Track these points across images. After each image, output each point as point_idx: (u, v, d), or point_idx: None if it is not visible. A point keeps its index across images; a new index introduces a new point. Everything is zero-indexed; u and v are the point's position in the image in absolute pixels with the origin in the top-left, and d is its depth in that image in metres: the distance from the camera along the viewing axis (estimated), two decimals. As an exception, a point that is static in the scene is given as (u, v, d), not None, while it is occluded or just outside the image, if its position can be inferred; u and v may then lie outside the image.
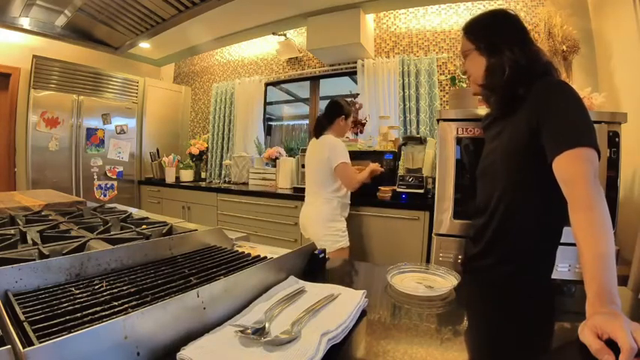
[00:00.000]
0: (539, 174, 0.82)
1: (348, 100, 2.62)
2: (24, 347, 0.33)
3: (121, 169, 3.63)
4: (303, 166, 2.81)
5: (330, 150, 1.92)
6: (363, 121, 2.63)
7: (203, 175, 3.93)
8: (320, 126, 2.06)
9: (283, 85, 3.88)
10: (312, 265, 0.79)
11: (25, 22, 3.03)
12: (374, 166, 2.08)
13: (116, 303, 0.49)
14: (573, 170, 0.71)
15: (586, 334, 0.48)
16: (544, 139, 0.79)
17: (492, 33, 0.96)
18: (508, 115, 0.94)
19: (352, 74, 3.10)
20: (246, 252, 0.80)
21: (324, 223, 1.95)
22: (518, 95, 0.89)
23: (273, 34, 3.17)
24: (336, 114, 2.03)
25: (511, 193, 0.93)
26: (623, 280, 1.42)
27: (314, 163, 2.02)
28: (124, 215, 1.13)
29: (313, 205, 2.02)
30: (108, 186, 3.55)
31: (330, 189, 1.98)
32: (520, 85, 0.88)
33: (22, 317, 0.43)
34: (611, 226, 0.62)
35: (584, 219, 0.64)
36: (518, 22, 0.96)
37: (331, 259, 0.87)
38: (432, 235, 1.67)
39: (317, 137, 2.06)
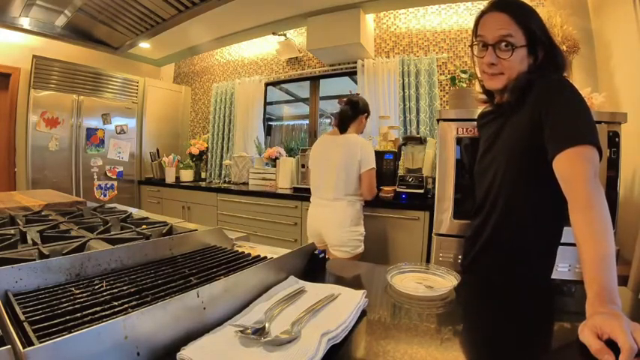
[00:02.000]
0: (539, 171, 0.82)
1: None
2: (24, 347, 0.33)
3: (121, 169, 3.63)
4: (303, 165, 2.81)
5: (362, 151, 1.84)
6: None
7: (203, 175, 3.93)
8: (346, 117, 1.95)
9: (283, 85, 3.88)
10: (312, 265, 0.79)
11: (25, 22, 3.03)
12: None
13: (116, 303, 0.49)
14: (573, 169, 0.71)
15: (586, 334, 0.48)
16: (545, 137, 0.79)
17: (540, 26, 0.88)
18: (509, 112, 0.93)
19: (352, 74, 3.10)
20: (246, 252, 0.80)
21: (349, 228, 1.84)
22: (522, 88, 0.86)
23: (273, 34, 3.17)
24: (360, 111, 1.97)
25: (510, 190, 0.92)
26: (623, 280, 1.42)
27: (339, 162, 1.86)
28: (124, 215, 1.13)
29: (334, 207, 1.87)
30: (108, 186, 3.55)
31: (357, 191, 1.89)
32: (534, 78, 0.85)
33: (22, 317, 0.43)
34: (611, 226, 0.62)
35: (583, 219, 0.64)
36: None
37: (332, 259, 0.87)
38: (432, 235, 1.67)
39: (342, 132, 1.96)
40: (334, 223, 1.86)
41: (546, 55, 0.88)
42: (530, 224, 0.91)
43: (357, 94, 2.75)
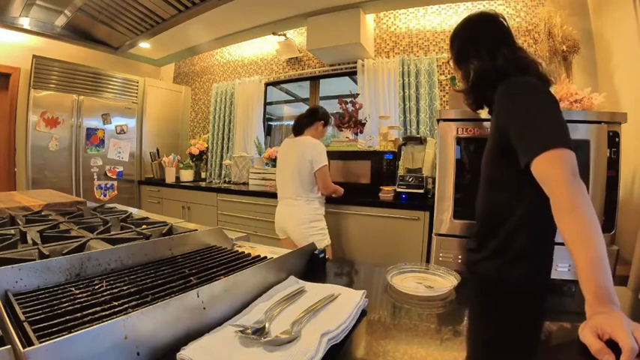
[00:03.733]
0: (515, 172, 0.81)
1: (348, 99, 2.62)
2: (24, 347, 0.33)
3: (121, 169, 3.63)
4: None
5: (313, 152, 1.96)
6: (363, 121, 2.63)
7: (203, 175, 3.93)
8: (300, 125, 2.10)
9: (283, 85, 3.88)
10: (312, 265, 0.79)
11: (25, 22, 3.03)
12: (340, 190, 2.18)
13: (116, 303, 0.49)
14: (549, 173, 0.70)
15: (586, 334, 0.48)
16: (513, 143, 0.80)
17: (463, 43, 1.01)
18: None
19: (352, 74, 3.10)
20: (246, 252, 0.80)
21: (308, 224, 1.98)
22: (488, 96, 0.92)
23: (273, 34, 3.17)
24: (316, 118, 2.09)
25: (488, 190, 0.96)
26: (623, 280, 1.42)
27: (294, 163, 2.01)
28: (124, 215, 1.13)
29: (294, 206, 2.02)
30: (108, 186, 3.55)
31: (313, 190, 2.01)
32: (486, 87, 0.91)
33: (22, 317, 0.43)
34: (598, 225, 0.61)
35: (569, 222, 0.63)
36: (493, 25, 0.98)
37: (331, 259, 0.87)
38: (432, 235, 1.67)
39: (296, 135, 2.10)
40: (295, 220, 2.00)
41: (493, 64, 0.92)
42: (514, 222, 0.91)
43: (357, 95, 2.76)
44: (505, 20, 0.98)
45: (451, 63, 1.08)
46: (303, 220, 1.98)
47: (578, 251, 0.59)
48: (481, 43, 0.95)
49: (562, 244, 0.90)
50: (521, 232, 0.91)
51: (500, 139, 0.85)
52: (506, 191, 0.91)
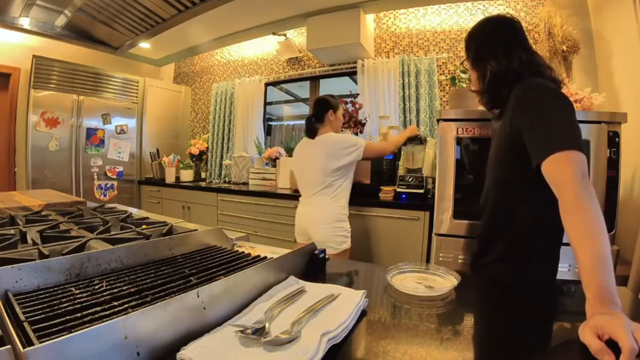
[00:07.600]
0: (526, 173, 0.82)
1: (348, 99, 2.61)
2: (24, 347, 0.33)
3: (121, 169, 3.63)
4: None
5: (343, 145, 1.85)
6: (363, 121, 2.63)
7: (203, 175, 3.93)
8: (311, 126, 1.99)
9: (283, 85, 3.88)
10: (312, 265, 0.79)
11: (25, 22, 3.03)
12: (412, 129, 2.05)
13: (116, 303, 0.49)
14: (559, 174, 0.71)
15: (586, 334, 0.48)
16: (526, 143, 0.80)
17: (480, 44, 1.00)
18: (500, 116, 0.97)
19: (352, 74, 3.10)
20: (246, 252, 0.80)
21: (332, 224, 1.89)
22: (502, 96, 0.92)
23: (273, 34, 3.17)
24: (323, 109, 1.96)
25: (498, 191, 0.95)
26: (623, 280, 1.42)
27: (317, 162, 1.91)
28: (124, 215, 1.13)
29: (318, 206, 1.93)
30: (108, 186, 3.55)
31: (337, 188, 1.92)
32: (501, 87, 0.92)
33: (22, 317, 0.43)
34: (604, 226, 0.61)
35: (575, 221, 0.64)
36: (510, 28, 0.97)
37: (331, 259, 0.87)
38: (432, 235, 1.67)
39: (312, 138, 1.97)
40: (319, 220, 1.91)
41: (509, 66, 0.92)
42: (523, 223, 0.91)
43: (357, 95, 2.76)
44: (521, 25, 0.98)
45: (465, 64, 1.08)
46: (327, 220, 1.88)
47: (582, 251, 0.60)
48: (498, 45, 0.95)
49: (564, 244, 0.91)
50: (532, 234, 0.91)
51: (514, 139, 0.84)
52: (517, 192, 0.91)
